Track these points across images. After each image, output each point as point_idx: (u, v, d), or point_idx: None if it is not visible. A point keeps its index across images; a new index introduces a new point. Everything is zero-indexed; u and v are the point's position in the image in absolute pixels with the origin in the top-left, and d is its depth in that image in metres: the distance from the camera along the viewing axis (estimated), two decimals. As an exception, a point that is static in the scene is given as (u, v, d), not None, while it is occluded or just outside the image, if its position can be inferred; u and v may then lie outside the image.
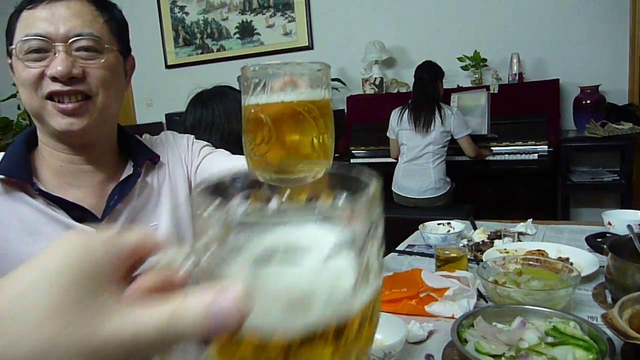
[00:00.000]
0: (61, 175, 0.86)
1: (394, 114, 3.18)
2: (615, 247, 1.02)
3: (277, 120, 0.48)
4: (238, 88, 1.60)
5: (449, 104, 3.31)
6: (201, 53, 5.05)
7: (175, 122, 4.34)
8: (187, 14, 5.03)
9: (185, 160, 0.99)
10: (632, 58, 3.45)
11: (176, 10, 5.07)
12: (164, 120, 4.99)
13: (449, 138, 3.04)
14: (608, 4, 3.45)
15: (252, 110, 0.49)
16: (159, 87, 5.25)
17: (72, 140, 0.84)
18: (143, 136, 0.99)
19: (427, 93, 3.02)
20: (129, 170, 0.91)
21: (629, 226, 1.14)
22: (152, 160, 0.95)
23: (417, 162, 3.03)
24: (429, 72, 3.08)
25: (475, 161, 3.21)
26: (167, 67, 5.22)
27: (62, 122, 0.80)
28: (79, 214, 0.83)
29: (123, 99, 0.89)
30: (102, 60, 0.82)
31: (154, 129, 5.07)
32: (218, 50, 4.95)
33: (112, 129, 0.91)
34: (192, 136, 1.04)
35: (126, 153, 0.94)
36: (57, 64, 0.77)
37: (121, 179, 0.89)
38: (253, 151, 0.51)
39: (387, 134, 3.24)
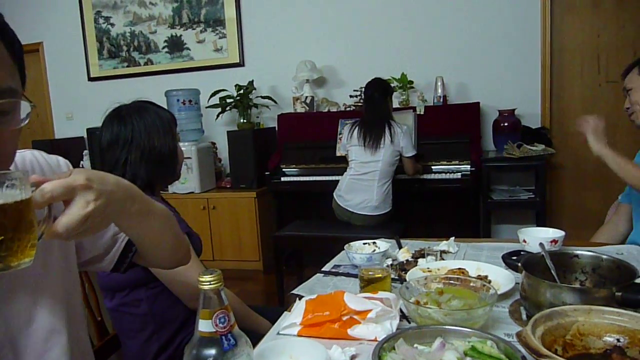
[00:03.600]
0: None
1: (345, 130, 3.17)
2: (529, 265, 1.05)
3: None
4: (160, 104, 1.53)
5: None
6: (127, 66, 4.85)
7: (97, 138, 4.15)
8: (112, 25, 4.83)
9: None
10: (544, 86, 3.74)
11: (101, 21, 4.85)
12: (85, 135, 4.73)
13: (398, 157, 3.05)
14: (523, 36, 3.73)
15: None
16: (81, 101, 4.98)
17: None
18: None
19: (377, 110, 3.02)
20: None
21: (541, 244, 1.19)
22: None
23: (364, 177, 3.02)
24: (379, 90, 3.07)
25: (403, 180, 3.28)
26: (90, 79, 4.97)
27: None
28: None
29: None
30: (17, 120, 0.67)
31: (74, 144, 4.81)
32: (145, 63, 4.78)
33: None
34: (67, 161, 0.92)
35: None
36: None
37: None
38: None
39: (339, 151, 3.21)
